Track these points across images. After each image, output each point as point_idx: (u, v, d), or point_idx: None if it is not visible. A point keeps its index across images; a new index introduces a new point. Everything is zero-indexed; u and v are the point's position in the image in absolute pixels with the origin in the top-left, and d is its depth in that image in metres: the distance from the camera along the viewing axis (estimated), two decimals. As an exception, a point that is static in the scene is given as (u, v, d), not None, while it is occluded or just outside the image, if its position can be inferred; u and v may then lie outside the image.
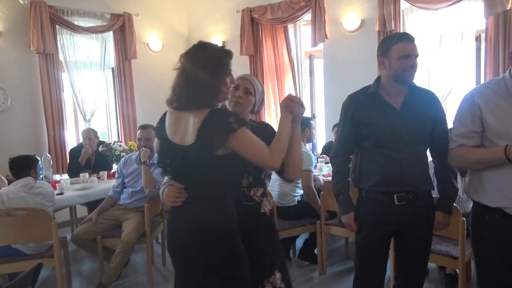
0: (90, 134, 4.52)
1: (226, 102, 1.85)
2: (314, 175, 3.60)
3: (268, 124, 2.05)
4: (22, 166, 3.05)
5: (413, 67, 1.92)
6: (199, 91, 1.62)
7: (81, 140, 5.33)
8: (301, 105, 1.73)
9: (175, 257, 1.73)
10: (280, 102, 1.79)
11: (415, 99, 1.98)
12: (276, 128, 1.78)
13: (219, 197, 1.66)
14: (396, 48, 1.92)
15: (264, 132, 1.80)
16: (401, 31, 4.75)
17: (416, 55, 1.93)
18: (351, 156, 2.17)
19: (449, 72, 4.48)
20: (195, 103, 1.62)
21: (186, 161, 1.61)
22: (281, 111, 1.74)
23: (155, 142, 1.85)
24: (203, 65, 1.65)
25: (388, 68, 1.95)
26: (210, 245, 1.61)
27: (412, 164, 1.96)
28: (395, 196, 1.97)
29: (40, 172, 3.82)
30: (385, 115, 1.98)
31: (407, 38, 1.93)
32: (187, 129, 1.62)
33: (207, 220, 1.62)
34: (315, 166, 4.01)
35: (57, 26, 5.00)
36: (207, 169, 1.61)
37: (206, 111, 1.60)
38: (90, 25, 5.35)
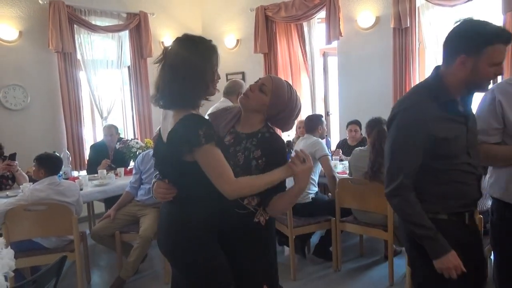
0: (111, 130, 4.61)
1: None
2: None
3: (279, 137, 1.73)
4: (57, 166, 3.16)
5: (497, 77, 1.65)
6: (184, 88, 1.53)
7: (98, 137, 5.45)
8: (303, 161, 1.57)
9: (166, 257, 1.79)
10: None
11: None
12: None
13: (195, 197, 1.60)
14: (491, 51, 1.51)
15: (271, 146, 1.66)
16: (417, 28, 4.73)
17: None
18: None
19: (465, 69, 4.43)
20: (177, 103, 1.56)
21: (162, 159, 1.65)
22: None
23: None
24: (191, 60, 1.54)
25: (471, 71, 1.54)
26: (183, 244, 1.61)
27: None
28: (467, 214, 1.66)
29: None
30: (460, 127, 1.61)
31: (507, 39, 1.53)
32: (167, 127, 1.60)
33: (180, 218, 1.61)
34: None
35: (75, 26, 5.09)
36: (177, 171, 1.60)
37: (182, 114, 1.53)
38: (107, 24, 5.43)
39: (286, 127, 1.76)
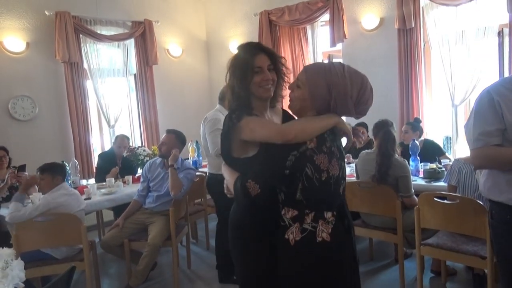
0: (124, 142, 4.62)
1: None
2: None
3: None
4: (64, 171, 3.26)
5: None
6: (230, 95, 1.69)
7: (106, 145, 5.49)
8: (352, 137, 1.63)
9: None
10: None
11: None
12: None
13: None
14: None
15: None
16: (422, 28, 4.71)
17: None
18: None
19: (472, 69, 4.40)
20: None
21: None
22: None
23: None
24: (228, 69, 1.69)
25: None
26: (231, 238, 1.73)
27: None
28: None
29: (68, 177, 3.95)
30: None
31: None
32: None
33: (231, 215, 1.72)
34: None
35: (81, 35, 5.14)
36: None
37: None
38: (112, 33, 5.48)
39: (352, 113, 1.56)
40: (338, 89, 1.51)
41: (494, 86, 1.78)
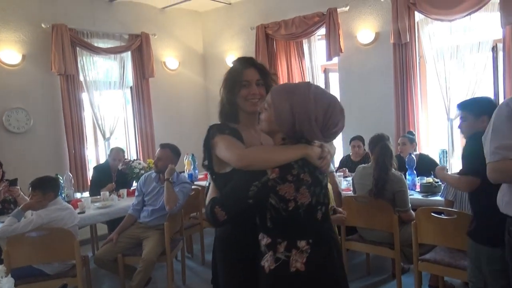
0: (119, 154, 4.59)
1: None
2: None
3: None
4: (59, 185, 3.24)
5: None
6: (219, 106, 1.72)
7: (101, 158, 5.45)
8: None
9: None
10: None
11: None
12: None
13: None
14: None
15: None
16: (417, 43, 4.75)
17: None
18: None
19: (467, 83, 4.43)
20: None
21: None
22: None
23: None
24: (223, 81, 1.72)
25: None
26: (214, 248, 1.75)
27: None
28: None
29: (62, 191, 3.90)
30: None
31: None
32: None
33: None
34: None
35: (77, 48, 5.14)
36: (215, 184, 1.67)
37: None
38: (109, 46, 5.48)
39: (318, 137, 1.46)
40: (300, 111, 1.41)
41: None
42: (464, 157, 2.33)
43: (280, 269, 1.46)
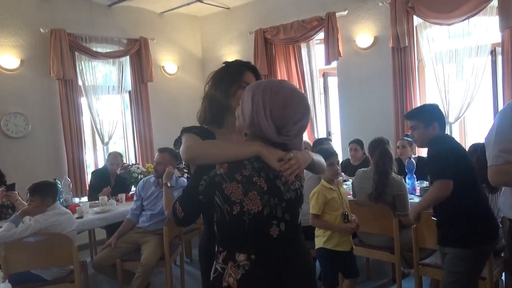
0: (117, 159, 4.57)
1: None
2: None
3: None
4: (57, 191, 3.22)
5: None
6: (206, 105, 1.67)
7: (99, 162, 5.43)
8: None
9: None
10: None
11: None
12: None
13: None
14: None
15: None
16: (415, 46, 4.76)
17: None
18: None
19: (466, 87, 4.44)
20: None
21: None
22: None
23: None
24: (211, 79, 1.69)
25: None
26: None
27: None
28: None
29: (60, 196, 3.88)
30: None
31: None
32: None
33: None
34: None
35: (76, 53, 5.14)
36: None
37: None
38: (108, 50, 5.48)
39: (271, 134, 1.33)
40: (257, 102, 1.32)
41: None
42: (429, 163, 2.31)
43: (215, 281, 1.36)
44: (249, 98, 1.35)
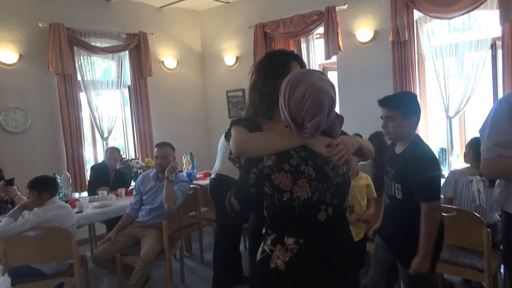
0: (115, 154, 4.57)
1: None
2: None
3: None
4: (57, 185, 3.22)
5: None
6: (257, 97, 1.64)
7: (99, 158, 5.43)
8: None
9: None
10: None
11: None
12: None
13: None
14: None
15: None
16: (415, 41, 4.74)
17: None
18: None
19: (466, 81, 4.42)
20: None
21: None
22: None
23: None
24: (257, 71, 1.65)
25: None
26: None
27: None
28: None
29: (60, 190, 3.88)
30: None
31: None
32: None
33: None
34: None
35: (75, 47, 5.12)
36: None
37: None
38: (107, 45, 5.46)
39: (293, 125, 1.37)
40: (282, 99, 1.36)
41: None
42: (421, 180, 1.94)
43: (262, 262, 1.42)
44: (281, 92, 1.38)
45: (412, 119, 2.06)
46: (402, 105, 2.07)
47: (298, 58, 1.64)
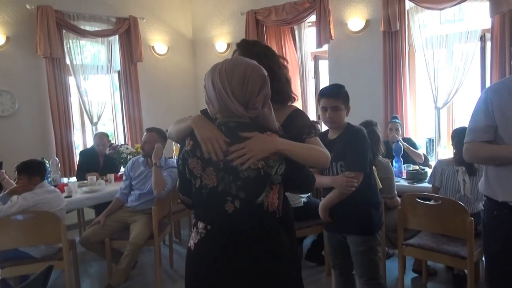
0: (103, 139, 4.54)
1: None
2: None
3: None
4: (46, 169, 3.19)
5: None
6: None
7: (88, 143, 5.39)
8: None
9: None
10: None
11: None
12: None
13: None
14: None
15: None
16: (406, 31, 4.76)
17: None
18: None
19: (454, 72, 4.47)
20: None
21: None
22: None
23: None
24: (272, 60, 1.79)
25: None
26: None
27: None
28: None
29: (48, 175, 3.86)
30: None
31: None
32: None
33: None
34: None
35: (63, 31, 5.04)
36: None
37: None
38: (96, 29, 5.38)
39: (240, 111, 1.36)
40: (218, 87, 1.34)
41: (496, 83, 1.89)
42: (355, 153, 2.23)
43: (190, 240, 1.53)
44: (210, 84, 1.37)
45: (348, 109, 2.31)
46: (346, 97, 2.31)
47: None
